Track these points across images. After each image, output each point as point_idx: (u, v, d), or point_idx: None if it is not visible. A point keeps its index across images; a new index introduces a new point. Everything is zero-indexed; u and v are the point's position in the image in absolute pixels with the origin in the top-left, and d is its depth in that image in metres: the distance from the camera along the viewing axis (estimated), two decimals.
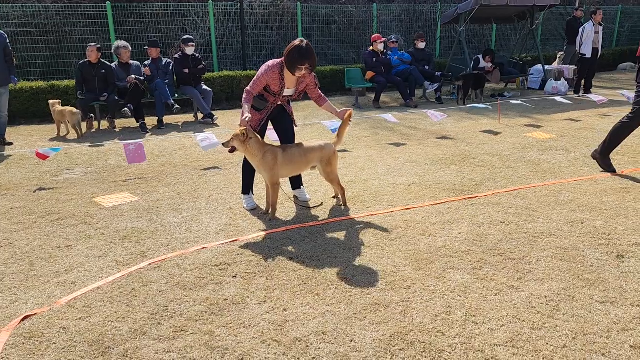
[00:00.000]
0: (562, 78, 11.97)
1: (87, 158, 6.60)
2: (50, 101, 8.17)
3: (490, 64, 11.51)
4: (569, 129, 7.79)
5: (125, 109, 8.35)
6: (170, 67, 9.11)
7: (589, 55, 10.97)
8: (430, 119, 7.83)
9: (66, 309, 2.97)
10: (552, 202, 4.56)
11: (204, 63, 9.42)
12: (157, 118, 8.71)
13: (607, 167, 5.42)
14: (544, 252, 3.57)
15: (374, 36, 10.48)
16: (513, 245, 3.69)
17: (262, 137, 4.38)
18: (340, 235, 3.95)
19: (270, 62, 4.19)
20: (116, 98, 8.48)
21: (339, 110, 4.40)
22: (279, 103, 4.42)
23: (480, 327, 2.69)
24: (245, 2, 12.19)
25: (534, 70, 12.45)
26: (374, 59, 10.35)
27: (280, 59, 4.18)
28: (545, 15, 13.86)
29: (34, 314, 2.91)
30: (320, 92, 4.50)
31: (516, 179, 5.28)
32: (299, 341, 2.62)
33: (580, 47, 11.06)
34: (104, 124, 8.82)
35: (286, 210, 4.54)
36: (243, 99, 4.14)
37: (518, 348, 2.52)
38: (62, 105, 8.16)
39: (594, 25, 10.86)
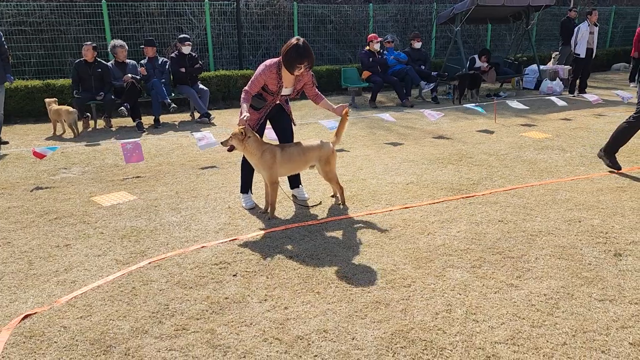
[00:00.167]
0: (557, 78, 12.04)
1: (84, 157, 6.57)
2: (47, 100, 8.13)
3: (486, 64, 11.54)
4: (565, 128, 7.84)
5: (122, 108, 8.34)
6: (167, 66, 9.10)
7: (582, 55, 11.04)
8: (426, 118, 7.85)
9: (67, 307, 2.96)
10: (550, 200, 4.59)
11: (200, 62, 9.40)
12: (153, 117, 8.70)
13: (613, 165, 5.44)
14: (542, 250, 3.60)
15: (370, 36, 10.50)
16: (511, 244, 3.71)
17: (261, 136, 4.39)
18: (340, 234, 3.96)
19: (268, 62, 4.19)
20: (112, 97, 8.45)
21: (336, 107, 4.42)
22: (277, 102, 4.42)
23: (480, 325, 2.71)
24: (242, 1, 12.18)
25: (529, 70, 12.52)
26: (370, 59, 10.36)
27: (278, 58, 4.18)
28: (540, 15, 13.92)
29: (34, 313, 2.90)
30: (317, 90, 4.50)
31: (513, 178, 5.31)
32: (301, 339, 2.63)
33: (575, 47, 11.12)
34: (100, 123, 8.79)
35: (285, 209, 4.54)
36: (241, 99, 4.14)
37: (518, 345, 2.54)
38: (58, 104, 8.12)
39: (589, 25, 10.93)
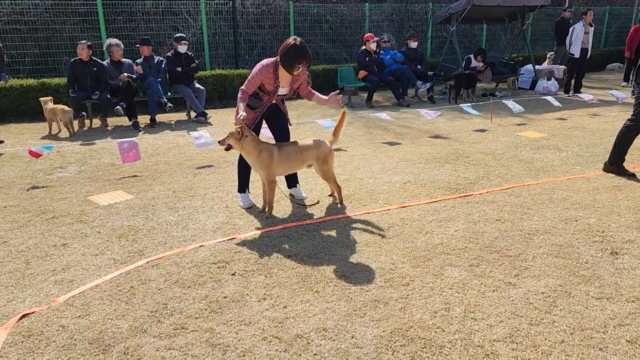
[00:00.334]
0: (553, 78, 12.09)
1: (80, 156, 6.55)
2: (42, 99, 8.09)
3: (481, 64, 11.59)
4: (560, 128, 7.87)
5: (118, 107, 8.31)
6: (163, 65, 9.07)
7: (577, 55, 11.08)
8: (423, 118, 7.87)
9: (64, 307, 2.95)
10: (546, 200, 4.61)
11: (196, 61, 9.38)
12: (149, 116, 8.67)
13: (624, 173, 5.30)
14: (539, 249, 3.62)
15: (366, 35, 10.51)
16: (509, 243, 3.72)
17: (257, 135, 4.38)
18: (338, 233, 3.97)
19: (265, 61, 4.18)
20: (108, 96, 8.42)
21: (327, 97, 4.37)
22: (273, 102, 4.42)
23: (479, 323, 2.72)
24: (237, 0, 12.16)
25: (524, 70, 12.57)
26: (367, 58, 10.38)
27: (274, 58, 4.17)
28: (535, 15, 13.98)
29: (32, 313, 2.89)
30: (310, 88, 4.49)
31: (510, 177, 5.33)
32: (300, 338, 2.63)
33: (570, 46, 11.17)
34: (96, 122, 8.75)
35: (283, 208, 4.54)
36: (238, 98, 4.13)
37: (517, 343, 2.55)
38: (54, 103, 8.08)
39: (584, 25, 10.98)
